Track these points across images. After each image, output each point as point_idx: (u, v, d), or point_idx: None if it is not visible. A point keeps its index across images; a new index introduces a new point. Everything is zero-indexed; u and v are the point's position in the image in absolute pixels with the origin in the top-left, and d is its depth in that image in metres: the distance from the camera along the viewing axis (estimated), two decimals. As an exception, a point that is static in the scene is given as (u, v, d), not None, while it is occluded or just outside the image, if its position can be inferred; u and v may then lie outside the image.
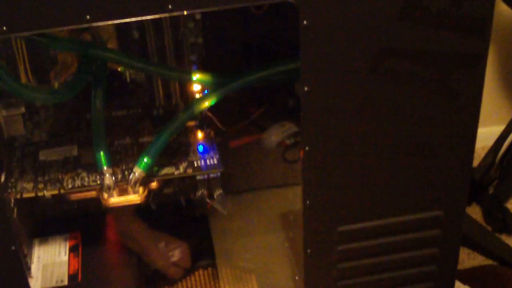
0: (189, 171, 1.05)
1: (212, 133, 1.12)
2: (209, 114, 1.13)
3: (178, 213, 1.26)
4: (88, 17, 0.81)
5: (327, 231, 1.02)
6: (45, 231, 1.17)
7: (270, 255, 1.26)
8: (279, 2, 0.84)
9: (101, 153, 1.02)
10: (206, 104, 1.03)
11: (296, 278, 1.16)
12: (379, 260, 1.06)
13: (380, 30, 0.86)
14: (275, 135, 1.18)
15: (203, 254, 1.25)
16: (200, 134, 1.12)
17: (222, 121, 1.15)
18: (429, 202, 1.02)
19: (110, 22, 0.85)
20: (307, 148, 0.94)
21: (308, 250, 1.03)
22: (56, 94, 1.02)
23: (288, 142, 1.18)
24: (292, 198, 1.20)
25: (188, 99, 1.12)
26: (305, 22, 0.84)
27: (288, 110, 1.18)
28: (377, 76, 0.89)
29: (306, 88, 0.89)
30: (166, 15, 0.84)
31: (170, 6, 0.81)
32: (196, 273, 1.24)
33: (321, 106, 0.90)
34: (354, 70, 0.89)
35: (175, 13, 0.82)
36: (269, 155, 1.27)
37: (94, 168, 1.04)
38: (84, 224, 1.19)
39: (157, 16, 0.84)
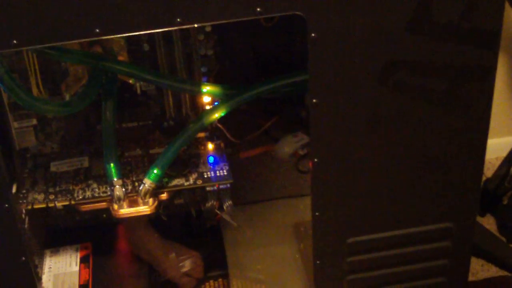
0: (199, 182, 1.06)
1: (222, 144, 1.12)
2: (219, 125, 1.13)
3: (189, 224, 1.26)
4: (97, 30, 0.82)
5: (336, 242, 1.02)
6: (56, 241, 1.18)
7: (282, 266, 1.25)
8: (288, 14, 0.84)
9: (111, 164, 1.03)
10: (216, 115, 1.04)
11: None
12: (389, 272, 1.06)
13: (389, 42, 0.86)
14: (288, 146, 1.18)
15: (214, 265, 1.25)
16: (210, 146, 1.13)
17: (232, 132, 1.15)
18: (439, 214, 1.02)
19: (119, 36, 0.85)
20: (316, 160, 0.94)
21: (318, 262, 1.03)
22: (66, 106, 1.03)
23: (301, 152, 1.18)
24: (305, 209, 1.20)
25: (198, 111, 1.12)
26: (313, 35, 0.84)
27: (300, 120, 1.18)
28: (386, 88, 0.89)
29: (314, 100, 0.89)
30: (175, 28, 0.84)
31: (178, 20, 0.82)
32: (207, 284, 1.23)
33: (329, 118, 0.91)
34: (362, 82, 0.89)
35: (183, 27, 0.83)
36: (282, 166, 1.27)
37: (104, 179, 1.05)
38: (95, 235, 1.19)
39: (165, 29, 0.85)
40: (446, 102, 0.92)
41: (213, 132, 1.14)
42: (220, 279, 1.23)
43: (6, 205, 0.94)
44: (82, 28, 0.81)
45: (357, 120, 0.92)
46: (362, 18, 0.84)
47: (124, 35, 0.85)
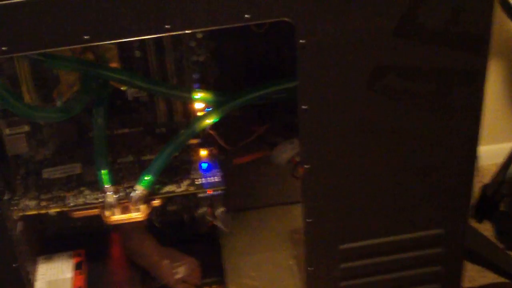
0: (191, 189, 1.06)
1: (215, 151, 1.12)
2: (212, 132, 1.13)
3: (183, 231, 1.26)
4: (86, 37, 0.82)
5: (329, 249, 1.02)
6: (49, 248, 1.18)
7: (278, 273, 1.25)
8: (278, 21, 0.84)
9: (103, 171, 1.03)
10: (208, 121, 1.04)
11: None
12: (382, 278, 1.05)
13: (377, 47, 0.86)
14: (285, 152, 1.18)
15: (210, 272, 1.25)
16: (202, 152, 1.12)
17: (225, 138, 1.15)
18: (430, 220, 1.01)
19: (109, 42, 0.85)
20: (306, 166, 0.94)
21: (310, 268, 1.03)
22: (58, 113, 1.03)
23: (297, 159, 1.18)
24: (300, 215, 1.20)
25: (190, 117, 1.13)
26: (301, 41, 0.84)
27: (295, 126, 1.18)
28: (374, 93, 0.89)
29: (303, 106, 0.89)
30: (164, 35, 0.85)
31: (167, 26, 0.82)
32: (203, 291, 1.23)
33: (319, 124, 0.91)
34: (351, 88, 0.89)
35: (173, 33, 0.83)
36: (278, 172, 1.27)
37: (97, 186, 1.05)
38: (88, 241, 1.19)
39: (154, 36, 0.85)
40: (436, 107, 0.92)
41: (206, 139, 1.14)
42: (215, 286, 1.23)
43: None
44: (71, 34, 0.82)
45: (347, 126, 0.91)
46: (350, 24, 0.84)
47: (113, 41, 0.85)
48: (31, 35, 0.81)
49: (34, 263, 1.14)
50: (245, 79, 1.15)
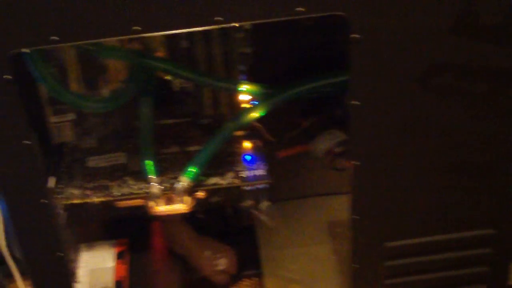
0: (236, 181, 1.05)
1: (260, 143, 1.11)
2: (258, 124, 1.11)
3: (225, 222, 1.25)
4: (136, 28, 0.81)
5: (375, 246, 1.00)
6: (92, 237, 1.18)
7: (317, 266, 1.24)
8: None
9: (149, 161, 1.02)
10: (255, 114, 1.03)
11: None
12: (427, 277, 1.04)
13: (432, 44, 0.84)
14: (323, 144, 1.16)
15: (249, 263, 1.24)
16: (248, 144, 1.11)
17: (270, 131, 1.14)
18: (480, 220, 0.99)
19: (158, 34, 0.84)
20: (356, 163, 0.92)
21: (356, 265, 1.02)
22: (105, 102, 1.03)
23: (336, 150, 1.16)
24: (339, 207, 1.19)
25: (236, 109, 1.11)
26: (355, 35, 0.83)
27: (335, 118, 1.16)
28: (428, 90, 0.87)
29: (354, 102, 0.87)
30: (214, 27, 0.83)
31: (217, 18, 0.81)
32: (241, 282, 1.23)
33: (370, 120, 0.89)
34: (404, 85, 0.87)
35: (223, 26, 0.82)
36: (318, 164, 1.25)
37: (141, 176, 1.04)
38: (131, 231, 1.19)
39: (204, 28, 0.84)
40: (490, 107, 0.89)
41: (250, 131, 1.12)
42: (254, 278, 1.23)
43: (43, 200, 0.94)
44: (121, 25, 0.81)
45: (398, 123, 0.90)
46: (406, 20, 0.82)
47: (163, 33, 0.84)
48: (81, 25, 0.81)
49: (77, 251, 1.14)
50: (292, 72, 1.13)
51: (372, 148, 0.91)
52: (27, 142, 0.89)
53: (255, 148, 1.10)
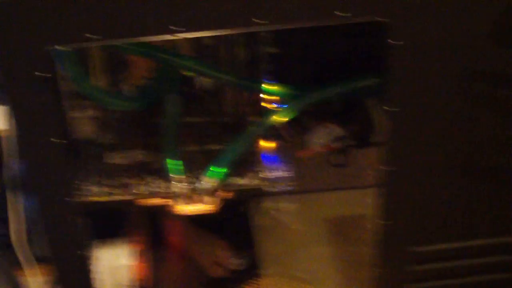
0: (258, 182, 1.03)
1: (283, 144, 1.10)
2: (279, 124, 1.10)
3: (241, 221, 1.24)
4: (172, 27, 0.79)
5: (400, 251, 1.00)
6: (113, 235, 1.16)
7: (315, 264, 1.24)
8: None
9: (172, 159, 1.01)
10: (282, 116, 1.02)
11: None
12: (451, 283, 1.03)
13: (470, 51, 0.84)
14: (318, 137, 1.15)
15: (252, 261, 1.24)
16: (268, 145, 1.10)
17: (290, 132, 1.13)
18: (508, 227, 0.99)
19: (196, 35, 0.83)
20: (391, 169, 0.92)
21: (379, 269, 1.02)
22: (132, 100, 1.02)
23: (333, 145, 1.15)
24: (337, 203, 1.18)
25: (259, 109, 1.10)
26: (393, 41, 0.82)
27: (332, 111, 1.15)
28: (466, 98, 0.87)
29: (389, 108, 0.86)
30: (250, 30, 0.82)
31: (256, 20, 0.80)
32: (244, 277, 1.23)
33: (406, 127, 0.88)
34: (441, 91, 0.86)
35: (261, 29, 0.81)
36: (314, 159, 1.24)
37: (162, 174, 1.03)
38: (151, 229, 1.18)
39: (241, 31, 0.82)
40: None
41: (271, 131, 1.11)
42: (256, 276, 1.23)
43: (67, 198, 0.93)
44: (157, 25, 0.79)
45: (434, 130, 0.89)
46: (445, 27, 0.82)
47: (200, 35, 0.83)
48: (115, 23, 0.79)
49: (96, 249, 1.13)
50: (317, 75, 1.11)
51: (407, 154, 0.91)
52: (54, 140, 0.87)
53: (277, 148, 1.09)
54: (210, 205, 1.02)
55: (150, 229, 1.17)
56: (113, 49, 0.98)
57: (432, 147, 0.91)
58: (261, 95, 1.08)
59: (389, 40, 0.82)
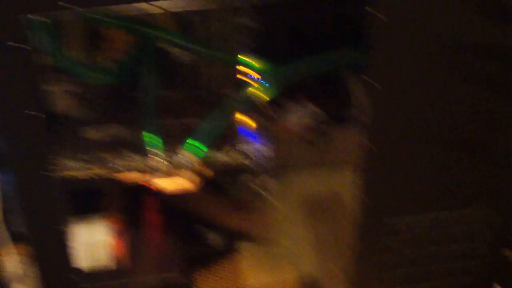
0: (237, 156, 1.03)
1: (261, 119, 1.09)
2: (261, 100, 1.09)
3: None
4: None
5: (376, 223, 1.00)
6: (90, 210, 1.15)
7: (297, 241, 1.24)
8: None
9: (149, 133, 1.00)
10: (259, 91, 1.01)
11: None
12: (426, 252, 1.04)
13: (456, 24, 0.83)
14: (296, 115, 1.14)
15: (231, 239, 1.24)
16: (249, 120, 1.09)
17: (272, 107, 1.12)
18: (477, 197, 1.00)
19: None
20: (372, 146, 0.92)
21: (357, 242, 1.02)
22: (108, 74, 1.00)
23: (311, 123, 1.14)
24: (316, 180, 1.18)
25: (237, 83, 1.08)
26: (375, 11, 0.81)
27: (310, 89, 1.14)
28: (449, 73, 0.86)
29: (372, 82, 0.86)
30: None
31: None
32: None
33: (389, 102, 0.88)
34: (425, 67, 0.86)
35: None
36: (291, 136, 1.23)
37: (139, 148, 1.02)
38: (128, 205, 1.17)
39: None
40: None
41: (252, 106, 1.10)
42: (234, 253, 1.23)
43: (43, 172, 0.91)
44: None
45: (417, 104, 0.89)
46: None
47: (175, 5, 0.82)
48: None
49: (74, 224, 1.12)
50: (296, 50, 1.10)
51: (383, 129, 0.91)
52: (29, 112, 0.86)
53: (256, 123, 1.08)
54: (189, 180, 1.01)
55: (128, 205, 1.16)
56: (90, 21, 0.96)
57: (410, 123, 0.91)
58: (239, 69, 1.07)
59: (367, 8, 0.81)
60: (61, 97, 1.05)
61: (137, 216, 1.16)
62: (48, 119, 1.03)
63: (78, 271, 1.07)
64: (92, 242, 1.10)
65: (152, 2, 0.79)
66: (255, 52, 1.05)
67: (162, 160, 1.00)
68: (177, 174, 1.01)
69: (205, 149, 1.01)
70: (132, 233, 1.15)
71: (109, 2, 0.80)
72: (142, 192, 1.12)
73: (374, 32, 0.82)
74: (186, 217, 1.19)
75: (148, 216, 1.16)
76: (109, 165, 1.00)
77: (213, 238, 1.20)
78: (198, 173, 1.03)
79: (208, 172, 1.08)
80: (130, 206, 1.16)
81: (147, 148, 1.00)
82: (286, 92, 1.12)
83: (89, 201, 1.14)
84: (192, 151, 0.99)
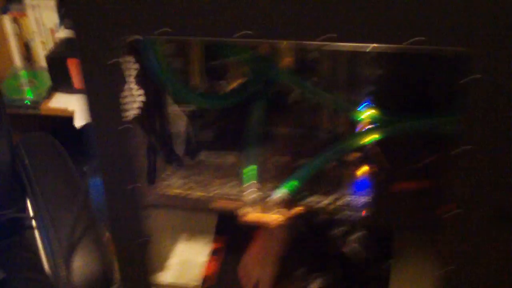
0: (337, 203, 1.00)
1: (374, 169, 1.05)
2: (376, 148, 1.05)
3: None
4: (249, 32, 0.79)
5: None
6: (191, 228, 1.18)
7: None
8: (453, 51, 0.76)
9: (250, 166, 1.01)
10: (368, 139, 0.97)
11: None
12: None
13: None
14: None
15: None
16: (361, 168, 1.05)
17: (390, 159, 1.07)
18: None
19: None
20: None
21: None
22: (218, 99, 1.03)
23: None
24: None
25: (349, 128, 1.05)
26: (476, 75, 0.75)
27: None
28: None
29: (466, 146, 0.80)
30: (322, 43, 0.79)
31: (331, 35, 0.77)
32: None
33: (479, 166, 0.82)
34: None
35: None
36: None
37: (238, 177, 1.03)
38: (232, 230, 1.17)
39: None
40: None
41: (368, 155, 1.06)
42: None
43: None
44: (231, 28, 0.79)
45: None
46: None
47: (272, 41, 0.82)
48: (199, 20, 0.80)
49: (173, 241, 1.15)
50: (417, 104, 1.05)
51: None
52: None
53: (368, 173, 1.04)
54: (283, 218, 0.99)
55: (223, 230, 1.17)
56: (211, 49, 0.99)
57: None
58: (356, 115, 1.04)
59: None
60: (179, 118, 1.09)
61: (233, 243, 1.16)
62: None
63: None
64: (187, 260, 1.12)
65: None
66: (376, 100, 1.02)
67: (258, 194, 1.00)
68: (272, 211, 1.00)
69: (301, 190, 1.00)
70: (229, 258, 1.15)
71: (212, 35, 0.81)
72: (236, 220, 1.12)
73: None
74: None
75: (249, 246, 1.15)
76: (209, 189, 1.02)
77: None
78: (291, 212, 1.01)
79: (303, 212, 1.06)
80: (234, 233, 1.17)
81: (247, 180, 1.00)
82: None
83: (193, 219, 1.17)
84: (291, 189, 0.98)
